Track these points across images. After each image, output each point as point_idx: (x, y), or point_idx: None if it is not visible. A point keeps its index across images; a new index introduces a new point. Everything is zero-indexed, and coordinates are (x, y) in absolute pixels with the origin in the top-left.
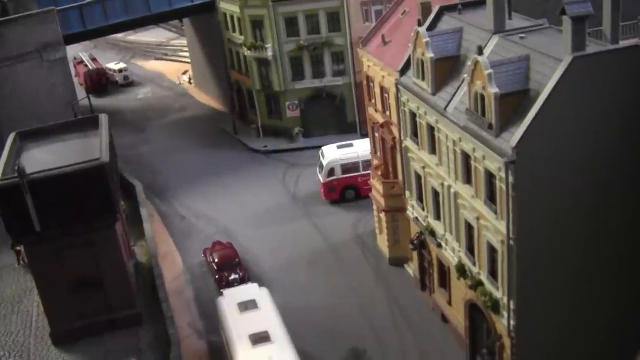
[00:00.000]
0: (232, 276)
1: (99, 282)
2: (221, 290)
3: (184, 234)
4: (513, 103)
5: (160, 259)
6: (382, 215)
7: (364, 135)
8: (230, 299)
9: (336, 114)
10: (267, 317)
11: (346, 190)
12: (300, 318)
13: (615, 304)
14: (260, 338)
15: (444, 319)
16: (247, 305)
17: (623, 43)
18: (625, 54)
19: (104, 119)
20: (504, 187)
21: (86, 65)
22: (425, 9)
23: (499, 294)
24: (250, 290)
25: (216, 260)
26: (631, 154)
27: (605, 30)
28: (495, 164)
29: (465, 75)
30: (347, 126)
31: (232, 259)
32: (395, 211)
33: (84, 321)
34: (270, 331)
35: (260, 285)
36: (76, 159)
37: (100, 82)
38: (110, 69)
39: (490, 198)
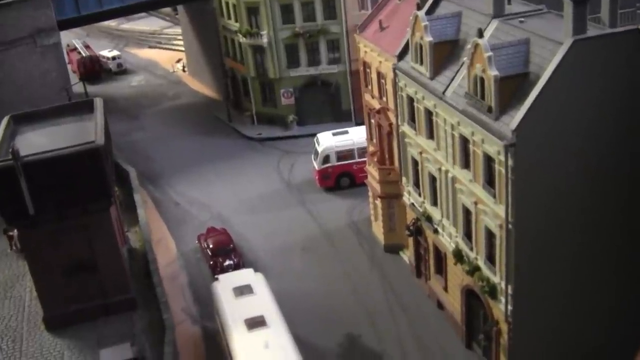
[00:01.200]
0: (227, 262)
1: (94, 266)
2: (216, 276)
3: (178, 220)
4: (513, 86)
5: (154, 245)
6: (378, 201)
7: (359, 123)
8: (225, 284)
9: (331, 102)
10: (263, 302)
11: (341, 177)
12: (295, 304)
13: (614, 289)
14: (256, 323)
15: (440, 305)
16: (243, 290)
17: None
18: (625, 37)
19: (99, 102)
20: (503, 170)
21: (79, 53)
22: None
23: (497, 279)
24: (245, 276)
25: (211, 246)
26: (630, 137)
27: (603, 17)
28: (494, 148)
29: (465, 59)
30: (342, 114)
31: (226, 245)
32: (391, 198)
33: (78, 306)
34: (266, 316)
35: (255, 271)
36: (71, 142)
37: (93, 70)
38: (103, 57)
39: (489, 182)
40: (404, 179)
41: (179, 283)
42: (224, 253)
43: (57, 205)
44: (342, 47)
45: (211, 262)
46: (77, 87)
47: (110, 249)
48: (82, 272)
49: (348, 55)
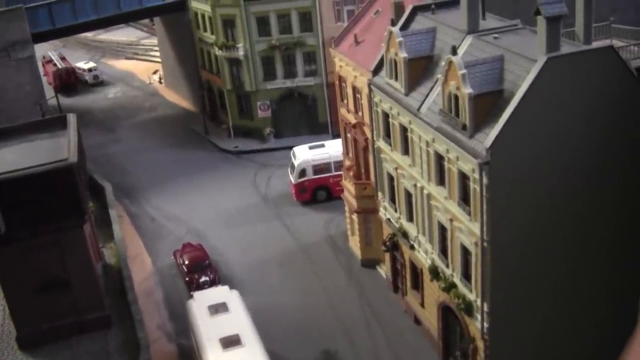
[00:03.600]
0: (203, 278)
1: (67, 283)
2: (191, 293)
3: (154, 235)
4: (487, 104)
5: (129, 261)
6: (354, 216)
7: (335, 136)
8: (200, 301)
9: (308, 115)
10: (238, 320)
11: (318, 191)
12: (271, 320)
13: (592, 306)
14: (231, 342)
15: (417, 321)
16: (218, 309)
17: (596, 44)
18: (599, 54)
19: (72, 118)
20: (477, 188)
21: (55, 65)
22: (399, 9)
23: (473, 296)
24: (220, 293)
25: (186, 262)
26: (606, 154)
27: (578, 31)
28: (469, 165)
29: (439, 76)
30: (318, 127)
31: (202, 260)
32: (367, 212)
33: (51, 324)
34: (241, 335)
35: (231, 286)
36: (44, 160)
37: (69, 82)
38: (80, 69)
39: (464, 199)
40: (380, 194)
41: (154, 299)
42: (200, 269)
43: (29, 222)
44: (318, 60)
45: (187, 279)
46: (52, 100)
47: (84, 266)
48: (55, 289)
49: (324, 68)
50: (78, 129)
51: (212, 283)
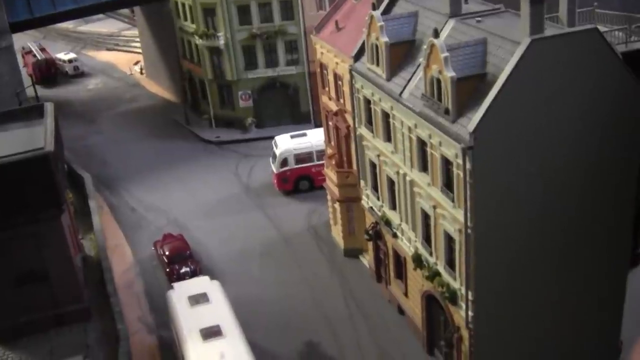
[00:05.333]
0: (184, 269)
1: (45, 275)
2: (172, 284)
3: (134, 226)
4: (470, 87)
5: (109, 252)
6: (337, 205)
7: (318, 125)
8: (180, 292)
9: (290, 104)
10: (219, 311)
11: (300, 180)
12: (253, 311)
13: (577, 294)
14: (211, 333)
15: (401, 311)
16: (198, 299)
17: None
18: (582, 37)
19: (49, 107)
20: (461, 174)
21: (35, 56)
22: None
23: (457, 284)
24: (201, 284)
25: (167, 253)
26: (591, 137)
27: (562, 16)
28: (452, 151)
29: (421, 60)
30: (301, 116)
31: (183, 251)
32: (350, 201)
33: (29, 317)
34: (222, 325)
35: (212, 277)
36: (20, 149)
37: (49, 73)
38: (60, 60)
39: (447, 186)
40: (362, 182)
41: (134, 291)
42: (181, 260)
43: (5, 213)
44: (300, 48)
45: (168, 269)
46: (30, 91)
47: (62, 257)
48: (33, 282)
49: (306, 56)
50: (56, 118)
51: (193, 274)
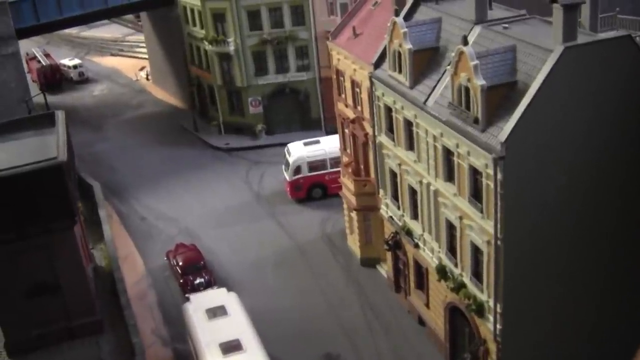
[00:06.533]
0: (198, 280)
1: (57, 287)
2: (188, 296)
3: (144, 235)
4: (500, 96)
5: (120, 263)
6: (354, 214)
7: (328, 132)
8: (197, 305)
9: (300, 111)
10: (238, 324)
11: (313, 188)
12: (269, 322)
13: (607, 306)
14: (231, 347)
15: (421, 321)
16: (216, 312)
17: (603, 35)
18: (615, 44)
19: (60, 115)
20: (491, 184)
21: (39, 61)
22: None
23: (484, 296)
24: (218, 296)
25: (180, 263)
26: (623, 147)
27: (584, 21)
28: (481, 161)
29: (448, 67)
30: (311, 123)
31: (197, 262)
32: (367, 210)
33: (41, 330)
34: (242, 339)
35: (227, 288)
36: (32, 158)
37: (54, 79)
38: (64, 65)
39: (475, 196)
40: (381, 192)
41: (147, 302)
42: (195, 270)
43: (17, 224)
44: (311, 54)
45: (181, 280)
46: (38, 97)
47: (75, 269)
48: (45, 294)
49: (317, 62)
50: (66, 126)
51: (208, 285)
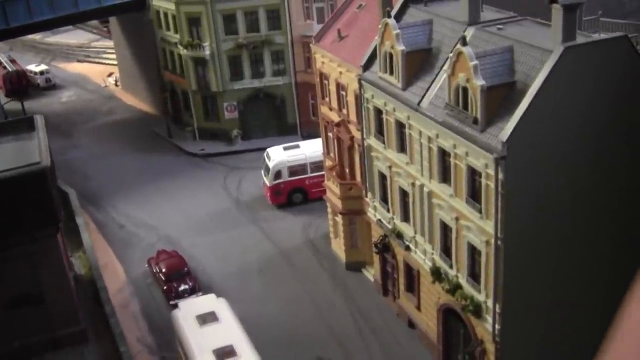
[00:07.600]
0: (182, 287)
1: (40, 297)
2: (174, 302)
3: (124, 243)
4: (499, 96)
5: (101, 271)
6: (339, 218)
7: (305, 137)
8: (187, 311)
9: (276, 115)
10: (229, 330)
11: (294, 193)
12: (258, 330)
13: (606, 305)
14: (224, 353)
15: (411, 324)
16: (207, 318)
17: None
18: (613, 44)
19: (40, 120)
20: (491, 184)
21: (5, 67)
22: (386, 1)
23: (482, 297)
24: (208, 302)
25: (164, 270)
26: (619, 145)
27: None
28: (481, 161)
29: (444, 68)
30: (287, 128)
31: (180, 268)
32: (352, 214)
33: (23, 341)
34: (235, 345)
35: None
36: (12, 164)
37: (20, 85)
38: (31, 72)
39: (473, 197)
40: (369, 195)
41: (130, 311)
42: (179, 277)
43: None
44: (287, 59)
45: (165, 287)
46: (9, 104)
47: (58, 278)
48: (27, 304)
49: (293, 67)
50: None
51: (193, 291)
